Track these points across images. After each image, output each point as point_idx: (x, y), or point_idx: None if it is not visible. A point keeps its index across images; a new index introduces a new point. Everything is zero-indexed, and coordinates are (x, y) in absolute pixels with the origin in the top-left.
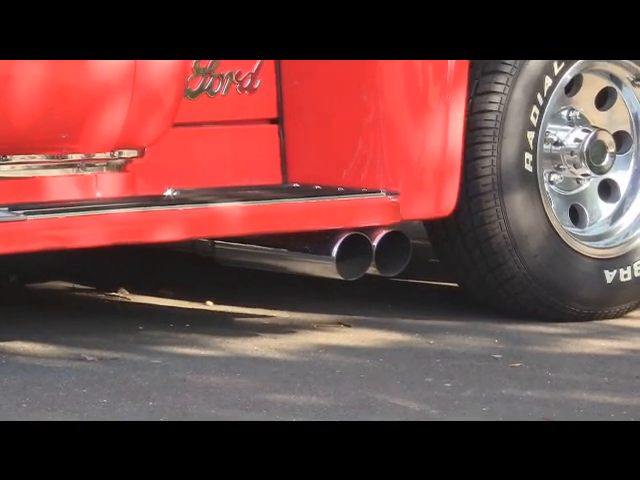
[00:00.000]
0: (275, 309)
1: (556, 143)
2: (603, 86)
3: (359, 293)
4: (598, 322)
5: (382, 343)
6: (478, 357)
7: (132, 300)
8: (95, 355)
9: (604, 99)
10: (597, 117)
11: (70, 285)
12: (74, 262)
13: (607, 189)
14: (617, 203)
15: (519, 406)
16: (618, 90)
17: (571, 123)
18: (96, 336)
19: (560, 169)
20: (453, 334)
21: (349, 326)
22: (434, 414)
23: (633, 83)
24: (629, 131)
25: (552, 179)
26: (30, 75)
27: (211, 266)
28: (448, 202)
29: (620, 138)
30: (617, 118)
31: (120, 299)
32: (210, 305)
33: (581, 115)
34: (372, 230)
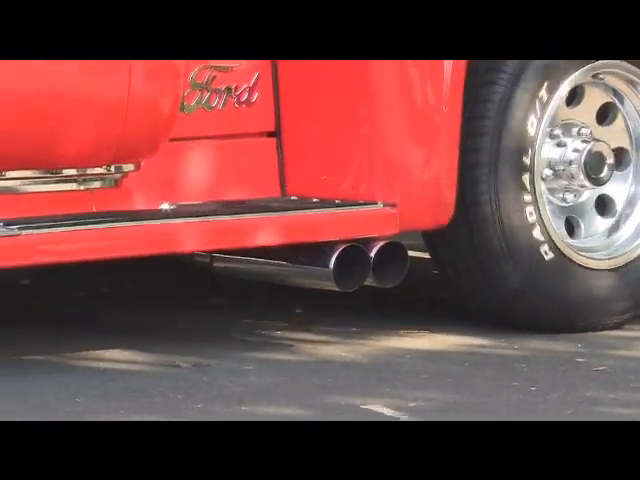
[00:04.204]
0: (361, 316)
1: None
2: (604, 101)
3: (441, 299)
4: None
5: (466, 348)
6: (562, 361)
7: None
8: (189, 362)
9: (605, 115)
10: (598, 132)
11: (164, 293)
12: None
13: (603, 206)
14: (613, 219)
15: (603, 409)
16: (619, 105)
17: (570, 135)
18: (190, 344)
19: (558, 177)
20: (536, 339)
21: (433, 332)
22: (521, 417)
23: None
24: (629, 148)
25: (550, 188)
26: (23, 89)
27: None
28: (445, 212)
29: (620, 154)
30: (617, 134)
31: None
32: (299, 313)
33: (581, 128)
34: (369, 241)
